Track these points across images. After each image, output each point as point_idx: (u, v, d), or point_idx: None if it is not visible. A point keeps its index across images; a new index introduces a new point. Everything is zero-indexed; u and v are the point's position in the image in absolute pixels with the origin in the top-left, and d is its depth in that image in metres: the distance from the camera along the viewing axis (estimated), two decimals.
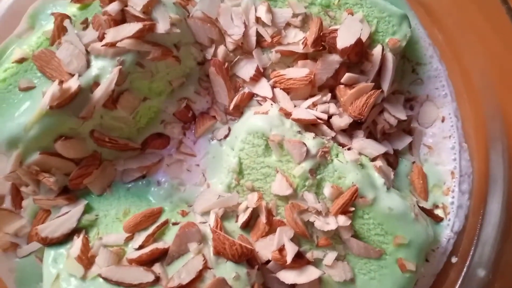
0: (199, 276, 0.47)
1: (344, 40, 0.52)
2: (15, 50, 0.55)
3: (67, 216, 0.50)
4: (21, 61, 0.54)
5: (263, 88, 0.57)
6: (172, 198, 0.55)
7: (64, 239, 0.50)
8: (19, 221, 0.55)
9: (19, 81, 0.53)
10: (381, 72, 0.56)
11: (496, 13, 0.51)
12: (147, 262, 0.47)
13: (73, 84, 0.48)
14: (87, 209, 0.52)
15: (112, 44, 0.50)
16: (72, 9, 0.56)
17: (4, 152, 0.52)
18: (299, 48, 0.55)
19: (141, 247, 0.47)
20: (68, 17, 0.54)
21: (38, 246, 0.54)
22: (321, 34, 0.53)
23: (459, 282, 0.51)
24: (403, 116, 0.57)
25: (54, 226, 0.49)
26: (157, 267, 0.47)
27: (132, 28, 0.50)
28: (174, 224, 0.51)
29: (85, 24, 0.53)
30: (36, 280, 0.55)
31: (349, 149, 0.53)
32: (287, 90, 0.56)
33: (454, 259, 0.54)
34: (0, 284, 0.54)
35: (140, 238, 0.49)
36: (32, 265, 0.55)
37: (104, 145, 0.53)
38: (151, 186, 0.55)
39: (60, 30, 0.53)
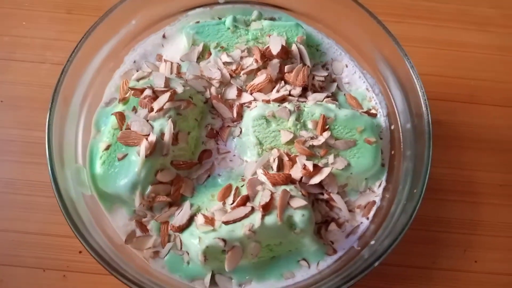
0: (272, 198, 0.78)
1: (275, 48, 0.88)
2: (100, 145, 0.85)
3: (184, 210, 0.79)
4: (107, 148, 0.83)
5: (246, 97, 0.90)
6: (231, 178, 0.85)
7: (188, 223, 0.79)
8: (151, 238, 0.82)
9: (115, 157, 0.83)
10: (302, 57, 0.90)
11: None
12: (241, 206, 0.78)
13: (152, 138, 0.79)
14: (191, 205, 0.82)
15: (160, 109, 0.83)
16: (118, 107, 0.88)
17: (129, 196, 0.81)
18: (254, 66, 0.90)
19: (233, 201, 0.79)
20: (121, 113, 0.87)
21: (170, 245, 0.81)
22: (262, 52, 0.91)
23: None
24: (324, 73, 0.93)
25: (180, 217, 0.78)
26: (248, 205, 0.79)
27: (166, 96, 0.83)
28: (242, 186, 0.83)
29: (135, 110, 0.86)
30: (181, 263, 0.80)
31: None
32: (259, 91, 0.91)
33: (392, 127, 0.90)
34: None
35: (229, 199, 0.80)
36: (172, 256, 0.81)
37: (180, 168, 0.83)
38: (216, 178, 0.86)
39: (121, 120, 0.84)
